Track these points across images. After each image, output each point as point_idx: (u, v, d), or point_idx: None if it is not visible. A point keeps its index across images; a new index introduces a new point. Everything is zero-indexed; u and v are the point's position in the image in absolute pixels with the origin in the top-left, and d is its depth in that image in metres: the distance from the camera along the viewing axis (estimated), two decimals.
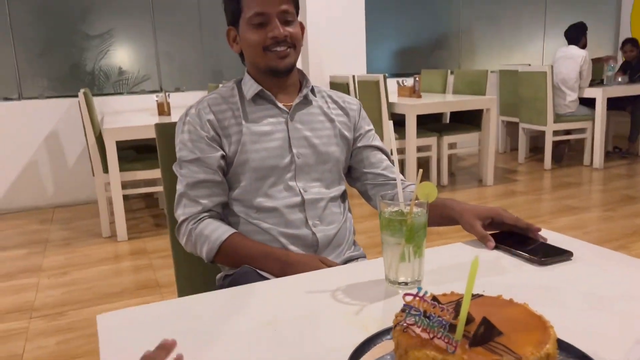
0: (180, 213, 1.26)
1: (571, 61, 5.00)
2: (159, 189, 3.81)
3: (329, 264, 1.17)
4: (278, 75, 1.27)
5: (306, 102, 1.33)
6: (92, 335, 2.30)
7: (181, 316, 0.84)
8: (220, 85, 4.17)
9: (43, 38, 4.65)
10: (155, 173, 3.56)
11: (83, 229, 3.83)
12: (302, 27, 1.32)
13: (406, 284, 0.88)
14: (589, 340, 0.67)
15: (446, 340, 0.54)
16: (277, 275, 1.14)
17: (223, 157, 1.26)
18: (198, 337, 0.76)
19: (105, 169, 3.47)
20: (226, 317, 0.82)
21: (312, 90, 1.35)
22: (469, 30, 6.33)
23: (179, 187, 1.27)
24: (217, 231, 1.21)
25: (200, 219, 1.24)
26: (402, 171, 4.75)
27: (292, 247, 1.25)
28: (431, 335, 0.55)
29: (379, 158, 1.39)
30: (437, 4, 6.28)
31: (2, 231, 3.89)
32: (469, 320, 0.57)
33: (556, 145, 5.20)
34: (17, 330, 2.38)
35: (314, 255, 1.22)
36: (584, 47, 5.11)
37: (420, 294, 0.57)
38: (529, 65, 5.77)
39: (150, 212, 4.20)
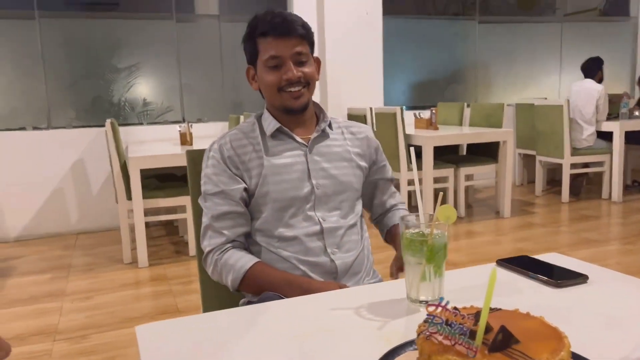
0: (206, 244, 1.33)
1: (588, 95, 5.05)
2: (180, 216, 3.90)
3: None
4: (293, 113, 1.34)
5: (323, 135, 1.39)
6: (114, 358, 2.35)
7: (213, 329, 0.89)
8: (241, 117, 4.30)
9: (72, 70, 4.84)
10: (177, 201, 3.65)
11: (105, 255, 3.91)
12: (318, 62, 1.40)
13: (427, 302, 0.92)
14: (603, 358, 0.70)
15: (467, 346, 0.58)
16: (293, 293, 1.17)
17: (245, 189, 1.32)
18: (229, 349, 0.81)
19: (129, 196, 3.57)
20: (255, 331, 0.87)
21: (330, 124, 1.41)
22: (485, 64, 6.43)
23: (204, 220, 1.34)
24: (241, 260, 1.27)
25: (225, 250, 1.30)
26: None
27: (312, 275, 1.30)
28: (452, 342, 0.60)
29: (388, 191, 1.52)
30: (454, 39, 6.41)
31: (27, 256, 3.99)
32: (488, 329, 0.62)
33: (574, 178, 5.20)
34: (40, 353, 2.43)
35: (335, 283, 1.27)
36: (600, 81, 5.15)
37: (443, 304, 0.62)
38: (545, 98, 5.82)
39: (170, 240, 4.27)
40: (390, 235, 1.48)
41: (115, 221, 4.46)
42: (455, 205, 4.68)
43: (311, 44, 1.35)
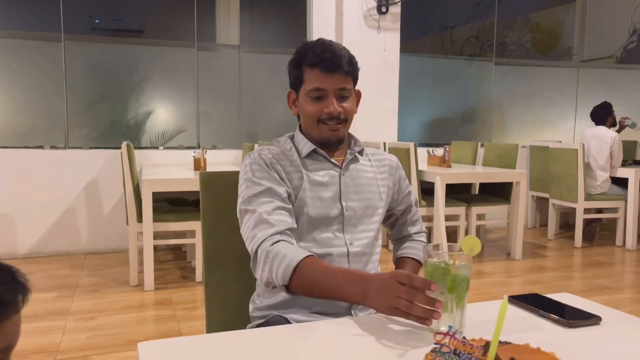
0: (259, 237, 1.22)
1: (601, 142, 5.03)
2: (189, 241, 3.89)
3: (402, 279, 0.98)
4: (328, 146, 1.37)
5: (355, 159, 1.41)
6: None
7: (217, 349, 0.88)
8: (256, 145, 4.34)
9: (93, 92, 4.95)
10: (187, 225, 3.65)
11: (112, 276, 3.90)
12: (359, 95, 1.42)
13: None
14: None
15: None
16: (355, 293, 1.06)
17: (287, 192, 1.30)
18: None
19: (140, 219, 3.58)
20: (258, 354, 0.86)
21: (361, 152, 1.43)
22: (501, 106, 6.46)
23: (249, 221, 1.25)
24: (294, 251, 1.17)
25: (277, 241, 1.20)
26: (429, 240, 4.74)
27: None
28: None
29: (410, 218, 1.54)
30: (470, 79, 6.46)
31: (34, 274, 3.99)
32: None
33: (587, 223, 5.14)
34: None
35: (387, 273, 1.05)
36: (612, 125, 5.15)
37: (451, 332, 0.61)
38: (560, 142, 5.81)
39: (177, 265, 4.26)
40: (397, 267, 1.50)
41: (124, 243, 4.47)
42: None
43: (355, 78, 1.37)
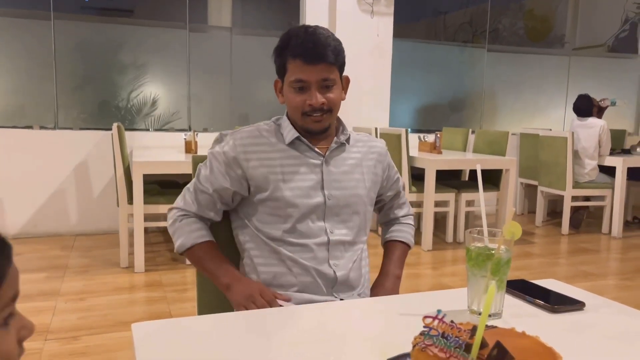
0: (179, 203, 1.40)
1: (590, 130, 5.07)
2: None
3: (267, 298, 1.27)
4: (314, 134, 1.37)
5: (341, 147, 1.41)
6: None
7: (208, 331, 0.89)
8: None
9: (83, 72, 4.89)
10: None
11: (102, 258, 3.90)
12: (347, 81, 1.41)
13: (489, 315, 0.93)
14: None
15: (462, 359, 0.58)
16: (222, 284, 1.31)
17: (235, 192, 1.36)
18: (222, 351, 0.81)
19: (130, 200, 3.57)
20: (249, 336, 0.87)
21: (348, 139, 1.43)
22: (492, 92, 6.48)
23: (191, 184, 1.41)
24: (198, 232, 1.36)
25: (188, 216, 1.38)
26: (418, 225, 4.78)
27: (318, 279, 1.32)
28: (447, 355, 0.60)
29: (398, 202, 1.57)
30: (462, 65, 6.47)
31: (24, 254, 3.98)
32: (483, 345, 0.62)
33: (574, 211, 5.20)
34: (31, 351, 2.41)
35: (257, 284, 1.32)
36: (599, 112, 5.20)
37: (440, 316, 0.63)
38: (550, 130, 5.85)
39: (167, 247, 4.27)
40: (386, 250, 1.54)
41: (113, 225, 4.46)
42: (455, 230, 4.68)
43: (341, 66, 1.36)
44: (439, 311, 0.64)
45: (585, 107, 5.16)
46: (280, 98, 1.40)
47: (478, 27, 6.52)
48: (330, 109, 1.34)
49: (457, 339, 0.59)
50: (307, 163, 1.36)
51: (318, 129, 1.35)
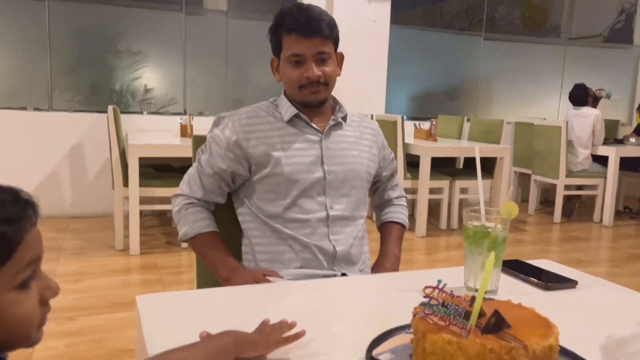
0: (185, 189, 1.42)
1: (584, 119, 5.10)
2: None
3: (260, 280, 1.29)
4: (311, 107, 1.39)
5: (338, 125, 1.44)
6: (100, 341, 2.35)
7: (211, 303, 0.91)
8: None
9: (77, 54, 4.85)
10: (172, 191, 3.62)
11: (97, 240, 3.91)
12: (341, 57, 1.43)
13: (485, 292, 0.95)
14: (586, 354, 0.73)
15: (461, 326, 0.60)
16: (221, 276, 1.34)
17: (236, 173, 1.38)
18: (224, 323, 0.83)
19: (126, 183, 3.57)
20: (251, 308, 0.89)
21: (345, 117, 1.45)
22: (488, 81, 6.49)
23: (193, 168, 1.43)
24: (203, 222, 1.38)
25: (194, 204, 1.40)
26: (412, 212, 4.82)
27: (319, 256, 1.34)
28: (447, 323, 0.62)
29: (391, 183, 1.60)
30: (458, 53, 6.47)
31: None
32: (481, 314, 0.64)
33: (567, 199, 5.25)
34: None
35: (254, 273, 1.34)
36: (594, 101, 5.22)
37: (440, 286, 0.65)
38: (545, 119, 5.88)
39: (162, 230, 4.28)
40: (382, 232, 1.56)
41: (108, 208, 4.46)
42: (449, 217, 4.72)
43: (335, 41, 1.38)
44: (439, 281, 0.65)
45: (581, 96, 5.19)
46: (277, 76, 1.41)
47: (475, 16, 6.51)
48: (327, 82, 1.36)
49: (456, 307, 0.61)
50: (306, 139, 1.38)
51: (315, 101, 1.37)
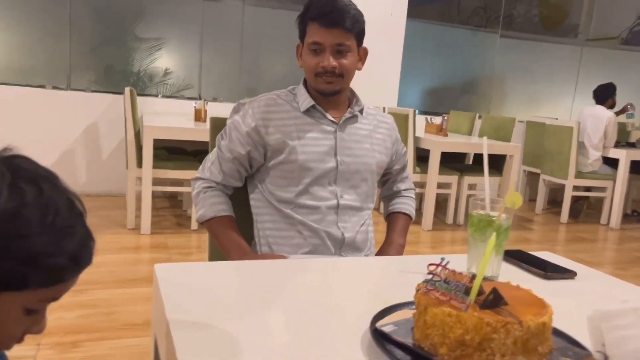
0: (206, 173, 1.46)
1: (597, 121, 5.10)
2: (186, 189, 3.96)
3: (278, 259, 1.33)
4: (325, 96, 1.43)
5: (354, 117, 1.48)
6: (110, 314, 2.42)
7: (227, 274, 0.96)
8: None
9: (97, 35, 4.92)
10: (184, 174, 3.71)
11: (109, 219, 3.99)
12: (365, 52, 1.47)
13: (486, 278, 1.00)
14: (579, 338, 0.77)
15: (460, 301, 0.65)
16: (234, 258, 1.36)
17: (253, 158, 1.43)
18: (243, 293, 0.88)
19: (139, 164, 3.64)
20: (261, 281, 0.94)
21: (361, 110, 1.49)
22: (502, 78, 6.48)
23: (213, 153, 1.48)
24: (219, 206, 1.43)
25: (212, 187, 1.45)
26: (419, 205, 4.85)
27: (327, 241, 1.39)
28: (448, 298, 0.67)
29: (401, 176, 1.64)
30: (473, 49, 6.46)
31: None
32: (481, 292, 0.69)
33: (575, 200, 5.25)
34: None
35: (267, 254, 1.41)
36: (611, 107, 5.21)
37: (443, 263, 0.69)
38: (557, 119, 5.87)
39: (173, 212, 4.35)
40: (389, 222, 1.61)
41: (120, 187, 4.54)
42: (455, 213, 4.75)
43: (358, 35, 1.41)
44: (442, 258, 0.70)
45: (604, 94, 5.18)
46: (299, 61, 1.45)
47: (492, 13, 6.49)
48: (342, 74, 1.39)
49: (457, 282, 0.66)
50: (321, 129, 1.42)
51: (328, 91, 1.41)
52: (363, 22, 1.41)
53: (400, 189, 1.63)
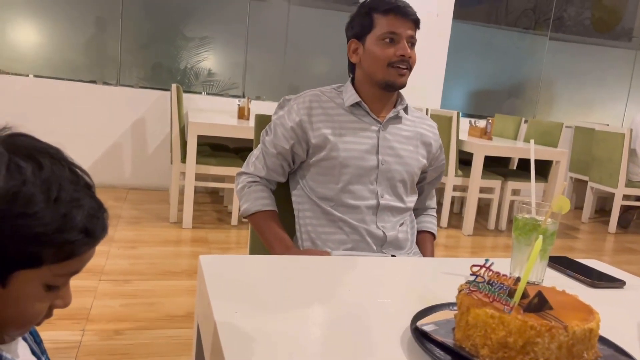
0: (251, 169, 1.49)
1: None
2: (228, 185, 4.02)
3: (321, 255, 1.32)
4: (390, 90, 1.43)
5: (398, 117, 1.47)
6: (153, 304, 2.49)
7: (269, 268, 0.97)
8: None
9: (146, 33, 5.06)
10: (227, 170, 3.77)
11: (152, 212, 4.09)
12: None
13: (530, 282, 0.98)
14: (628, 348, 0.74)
15: (504, 303, 0.64)
16: (277, 253, 1.37)
17: (296, 153, 1.44)
18: (286, 286, 0.89)
19: (183, 159, 3.72)
20: (304, 276, 0.95)
21: (406, 109, 1.49)
22: (550, 82, 6.31)
23: (258, 149, 1.50)
24: (264, 200, 1.45)
25: (257, 182, 1.48)
26: (460, 210, 4.78)
27: (368, 239, 1.39)
28: (491, 300, 0.66)
29: (432, 192, 1.65)
30: (521, 52, 6.31)
31: None
32: (525, 296, 0.67)
33: (624, 210, 5.07)
34: (87, 288, 2.60)
35: (310, 250, 1.41)
36: None
37: (487, 265, 0.68)
38: (607, 125, 5.68)
39: (214, 207, 4.43)
40: (419, 240, 1.58)
41: (164, 182, 4.65)
42: (498, 219, 4.65)
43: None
44: (486, 260, 0.69)
45: None
46: (355, 57, 1.45)
47: (541, 14, 6.33)
48: (411, 67, 1.41)
49: (501, 284, 0.65)
50: (364, 127, 1.42)
51: (400, 83, 1.41)
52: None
53: (430, 207, 1.64)
